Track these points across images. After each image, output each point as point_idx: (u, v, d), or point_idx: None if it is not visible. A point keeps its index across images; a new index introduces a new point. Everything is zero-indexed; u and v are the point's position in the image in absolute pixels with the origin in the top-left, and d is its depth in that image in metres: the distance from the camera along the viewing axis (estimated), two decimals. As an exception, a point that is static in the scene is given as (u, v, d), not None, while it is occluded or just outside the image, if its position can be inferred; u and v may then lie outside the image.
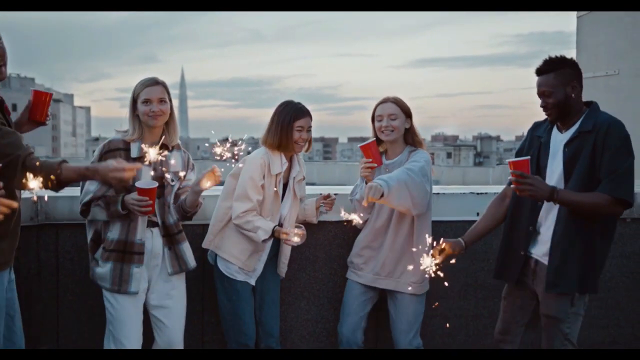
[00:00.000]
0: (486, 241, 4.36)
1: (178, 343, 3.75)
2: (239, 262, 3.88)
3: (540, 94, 3.40)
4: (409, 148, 4.02)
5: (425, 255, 3.52)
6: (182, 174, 3.74)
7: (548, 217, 3.45)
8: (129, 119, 3.64)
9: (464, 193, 4.59)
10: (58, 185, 2.96)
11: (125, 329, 3.57)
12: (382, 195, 3.48)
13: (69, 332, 4.13)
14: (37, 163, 2.87)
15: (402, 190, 3.59)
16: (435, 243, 3.63)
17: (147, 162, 3.36)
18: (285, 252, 4.01)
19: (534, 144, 3.57)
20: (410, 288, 3.92)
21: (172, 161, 3.69)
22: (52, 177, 2.87)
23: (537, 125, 3.65)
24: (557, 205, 3.36)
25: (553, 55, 3.43)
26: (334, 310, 4.40)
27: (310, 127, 3.94)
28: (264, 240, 3.77)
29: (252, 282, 3.93)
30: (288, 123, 3.84)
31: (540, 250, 3.47)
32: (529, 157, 3.36)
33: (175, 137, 3.73)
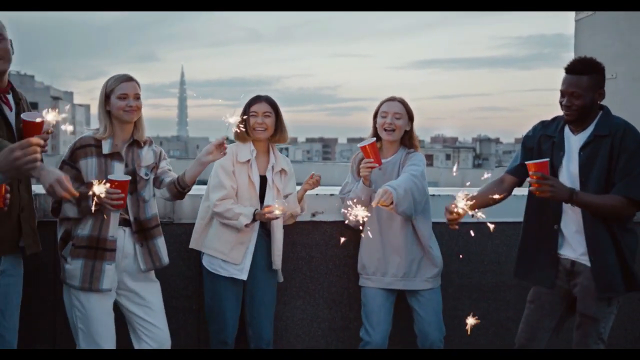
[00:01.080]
0: (480, 242, 4.40)
1: (168, 341, 3.75)
2: (222, 254, 3.91)
3: (569, 94, 3.38)
4: (404, 149, 4.06)
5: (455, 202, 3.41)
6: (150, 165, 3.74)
7: (571, 216, 3.45)
8: (99, 116, 3.63)
9: (455, 195, 4.61)
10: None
11: (100, 328, 3.53)
12: (391, 203, 3.55)
13: (66, 331, 4.14)
14: None
15: (408, 198, 3.67)
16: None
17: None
18: (278, 244, 3.99)
19: (546, 143, 3.55)
20: (428, 284, 3.98)
21: (144, 157, 3.69)
22: None
23: (546, 124, 3.62)
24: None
25: (587, 57, 3.45)
26: (329, 309, 4.43)
27: (268, 112, 3.98)
28: (247, 225, 3.81)
29: (242, 276, 3.92)
30: (245, 110, 3.98)
31: (573, 250, 3.47)
32: (547, 159, 3.36)
33: (144, 133, 3.72)
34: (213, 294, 3.99)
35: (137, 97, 3.63)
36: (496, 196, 3.57)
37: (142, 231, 3.67)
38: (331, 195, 4.38)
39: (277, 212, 3.74)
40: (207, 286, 4.02)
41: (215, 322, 4.00)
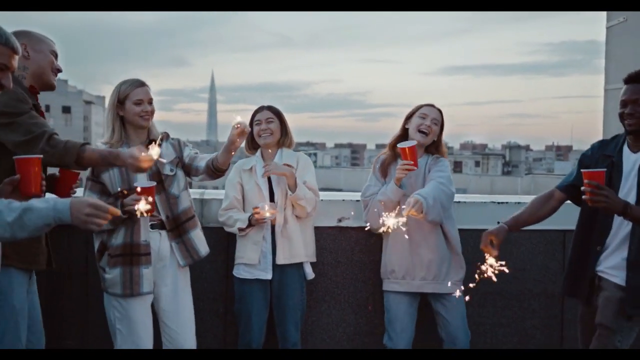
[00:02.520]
0: (505, 249, 4.39)
1: (187, 346, 3.79)
2: (240, 259, 4.04)
3: (632, 102, 3.31)
4: (429, 155, 4.09)
5: (486, 260, 3.50)
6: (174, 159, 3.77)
7: (616, 237, 3.39)
8: (109, 123, 3.66)
9: (484, 202, 4.63)
10: (80, 165, 3.13)
11: (140, 330, 3.62)
12: (421, 212, 3.61)
13: (96, 331, 4.23)
14: (62, 141, 3.07)
15: (437, 206, 3.73)
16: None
17: (157, 157, 3.21)
18: (282, 240, 3.99)
19: (604, 162, 3.44)
20: (456, 287, 3.97)
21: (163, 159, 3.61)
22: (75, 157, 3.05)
23: (605, 144, 3.55)
24: (630, 225, 3.31)
25: None
26: (355, 314, 4.46)
27: (270, 119, 4.07)
28: (242, 230, 3.92)
29: (266, 276, 3.99)
30: (251, 122, 4.09)
31: (604, 266, 3.42)
32: (605, 169, 3.27)
33: (157, 131, 3.76)
34: (240, 298, 4.07)
35: (151, 102, 3.67)
36: (542, 215, 3.61)
37: (177, 227, 3.73)
38: (357, 201, 4.41)
39: (267, 214, 3.83)
40: (236, 290, 4.12)
41: (242, 324, 4.07)
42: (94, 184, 3.63)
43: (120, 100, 3.62)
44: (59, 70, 3.38)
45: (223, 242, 4.26)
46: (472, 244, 4.43)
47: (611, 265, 3.40)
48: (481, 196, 5.03)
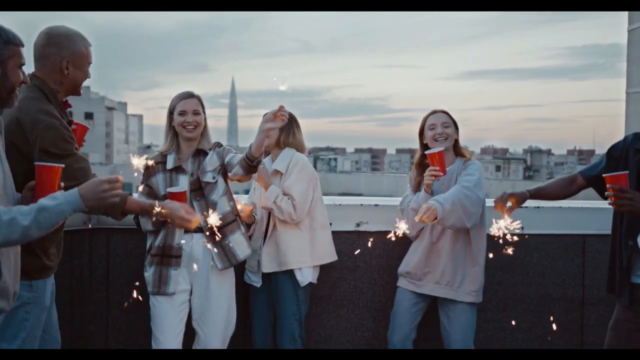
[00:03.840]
0: (526, 253, 4.38)
1: (211, 346, 3.87)
2: (247, 265, 4.13)
3: None
4: (461, 159, 4.08)
5: (495, 221, 3.47)
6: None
7: None
8: (165, 131, 3.91)
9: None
10: (121, 216, 3.19)
11: (165, 328, 3.76)
12: (435, 218, 3.59)
13: (118, 333, 4.28)
14: None
15: (456, 211, 3.67)
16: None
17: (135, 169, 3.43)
18: (269, 246, 4.00)
19: (635, 156, 3.33)
20: (469, 297, 3.97)
21: (208, 166, 3.84)
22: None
23: (638, 137, 3.42)
24: None
25: None
26: (373, 318, 4.47)
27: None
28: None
29: (257, 283, 4.08)
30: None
31: None
32: (627, 171, 3.19)
33: (209, 142, 3.91)
34: (250, 302, 4.18)
35: (196, 113, 3.81)
36: (563, 195, 3.58)
37: (214, 232, 3.76)
38: (375, 205, 4.43)
39: (239, 206, 3.95)
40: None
41: (251, 329, 4.16)
42: (144, 187, 3.85)
43: (170, 111, 3.87)
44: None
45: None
46: (490, 248, 4.42)
47: None
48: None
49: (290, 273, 4.00)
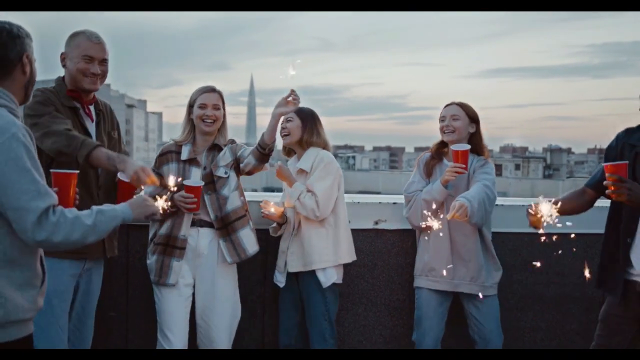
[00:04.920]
0: (545, 252, 4.36)
1: (220, 343, 3.89)
2: (277, 266, 4.14)
3: None
4: (473, 156, 4.05)
5: (538, 205, 3.32)
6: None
7: None
8: (183, 123, 3.94)
9: (523, 205, 4.58)
10: (89, 162, 3.20)
11: (170, 321, 3.79)
12: (466, 216, 3.60)
13: (138, 330, 4.31)
14: (80, 137, 3.22)
15: (481, 210, 3.70)
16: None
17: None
18: (294, 246, 4.01)
19: (628, 151, 3.35)
20: (491, 290, 4.00)
21: (222, 162, 3.89)
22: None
23: (630, 132, 3.44)
24: None
25: None
26: (391, 317, 4.47)
27: (290, 118, 4.05)
28: (274, 230, 4.13)
29: (281, 283, 4.09)
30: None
31: (637, 263, 3.28)
32: (626, 161, 3.18)
33: (226, 138, 3.97)
34: (278, 301, 4.18)
35: (217, 108, 3.85)
36: (578, 206, 3.50)
37: (225, 226, 3.84)
38: (394, 203, 4.42)
39: (271, 209, 3.93)
40: None
41: (279, 326, 4.16)
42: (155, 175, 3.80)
43: (190, 104, 3.90)
44: (95, 74, 3.44)
45: (261, 244, 4.29)
46: (510, 247, 4.42)
47: None
48: (523, 199, 4.99)
49: (313, 273, 3.99)
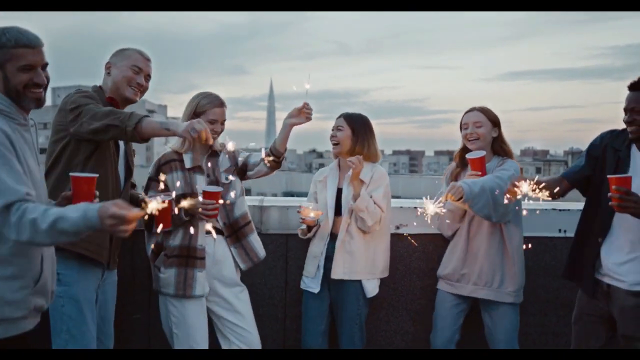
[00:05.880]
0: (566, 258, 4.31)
1: (258, 344, 3.89)
2: (305, 271, 4.10)
3: (630, 110, 3.34)
4: (498, 158, 4.03)
5: (520, 182, 3.41)
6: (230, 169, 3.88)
7: (619, 231, 3.38)
8: None
9: (546, 209, 4.55)
10: (140, 133, 3.17)
11: (195, 333, 3.70)
12: (461, 198, 3.53)
13: (160, 334, 4.32)
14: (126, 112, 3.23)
15: (484, 196, 3.60)
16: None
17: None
18: (339, 253, 3.97)
19: (611, 155, 3.47)
20: (509, 297, 3.93)
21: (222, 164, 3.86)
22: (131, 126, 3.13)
23: (615, 135, 3.53)
24: (630, 221, 3.27)
25: None
26: (413, 322, 4.45)
27: (340, 127, 4.06)
28: (303, 232, 4.05)
29: (315, 289, 4.03)
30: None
31: (608, 261, 3.40)
32: (630, 175, 3.23)
33: (218, 145, 3.89)
34: (302, 306, 4.15)
35: (223, 122, 3.80)
36: (552, 194, 3.49)
37: (235, 232, 3.82)
38: (415, 208, 4.40)
39: (310, 214, 3.85)
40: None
41: (302, 331, 4.13)
42: (155, 184, 3.74)
43: (196, 113, 3.71)
44: (140, 85, 3.51)
45: (282, 248, 4.30)
46: (532, 251, 4.38)
47: (615, 262, 3.37)
48: (543, 203, 4.93)
49: (358, 282, 3.99)
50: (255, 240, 3.91)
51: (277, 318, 4.41)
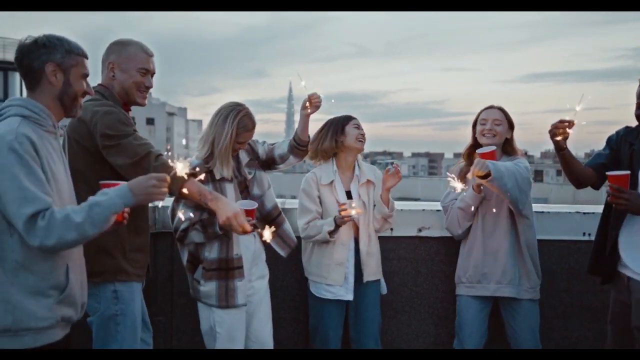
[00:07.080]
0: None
1: (269, 342, 3.90)
2: (323, 279, 3.99)
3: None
4: (507, 157, 4.03)
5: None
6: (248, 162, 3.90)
7: (637, 227, 3.40)
8: (211, 146, 3.69)
9: (569, 212, 4.51)
10: (178, 194, 3.23)
11: (237, 335, 3.72)
12: (487, 176, 3.56)
13: (182, 335, 4.34)
14: (171, 166, 3.07)
15: (511, 179, 3.65)
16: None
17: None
18: (365, 256, 3.99)
19: (625, 148, 3.55)
20: (528, 294, 3.92)
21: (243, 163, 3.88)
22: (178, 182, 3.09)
23: (629, 130, 3.61)
24: None
25: None
26: (435, 325, 4.43)
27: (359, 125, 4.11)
28: (331, 233, 3.87)
29: (348, 297, 3.98)
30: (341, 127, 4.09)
31: (627, 256, 3.42)
32: (629, 172, 3.34)
33: None
34: (316, 315, 4.07)
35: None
36: (582, 174, 3.61)
37: (270, 224, 3.77)
38: (437, 210, 4.38)
39: (352, 212, 3.80)
40: (311, 307, 4.11)
41: (318, 341, 4.06)
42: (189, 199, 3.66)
43: (237, 132, 3.65)
44: (148, 88, 3.40)
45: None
46: (556, 255, 4.35)
47: (633, 256, 3.40)
48: (566, 206, 4.90)
49: (377, 281, 4.10)
50: (288, 228, 3.98)
51: (299, 321, 4.40)
